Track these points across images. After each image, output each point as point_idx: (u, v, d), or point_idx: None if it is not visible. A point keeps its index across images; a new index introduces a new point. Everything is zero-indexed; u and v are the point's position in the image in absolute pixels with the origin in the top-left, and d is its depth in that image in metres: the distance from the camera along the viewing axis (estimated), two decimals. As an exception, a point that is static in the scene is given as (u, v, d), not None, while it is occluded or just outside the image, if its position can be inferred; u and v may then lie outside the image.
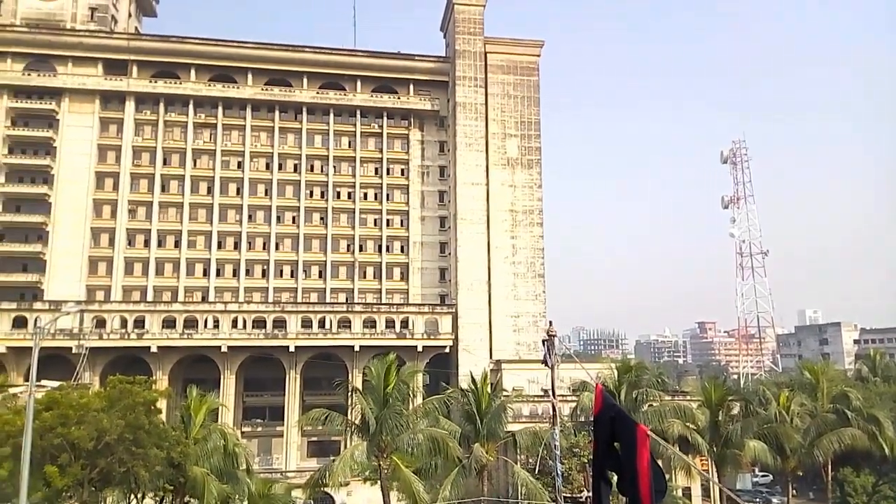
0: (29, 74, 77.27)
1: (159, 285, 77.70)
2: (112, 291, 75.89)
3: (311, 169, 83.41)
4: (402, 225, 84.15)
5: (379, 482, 34.48)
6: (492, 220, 79.43)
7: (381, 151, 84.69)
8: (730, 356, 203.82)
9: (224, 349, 70.49)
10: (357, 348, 72.33)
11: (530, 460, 46.30)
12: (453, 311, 76.41)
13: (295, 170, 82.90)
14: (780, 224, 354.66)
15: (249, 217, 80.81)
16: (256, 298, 78.10)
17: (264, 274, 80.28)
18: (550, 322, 18.21)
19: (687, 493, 52.65)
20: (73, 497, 29.23)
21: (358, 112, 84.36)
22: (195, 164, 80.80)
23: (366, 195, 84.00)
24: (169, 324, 70.75)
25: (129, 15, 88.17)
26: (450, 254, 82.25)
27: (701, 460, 44.23)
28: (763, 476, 69.65)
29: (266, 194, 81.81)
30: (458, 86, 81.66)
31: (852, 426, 42.99)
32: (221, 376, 70.33)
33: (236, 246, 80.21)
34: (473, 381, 36.58)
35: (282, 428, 71.26)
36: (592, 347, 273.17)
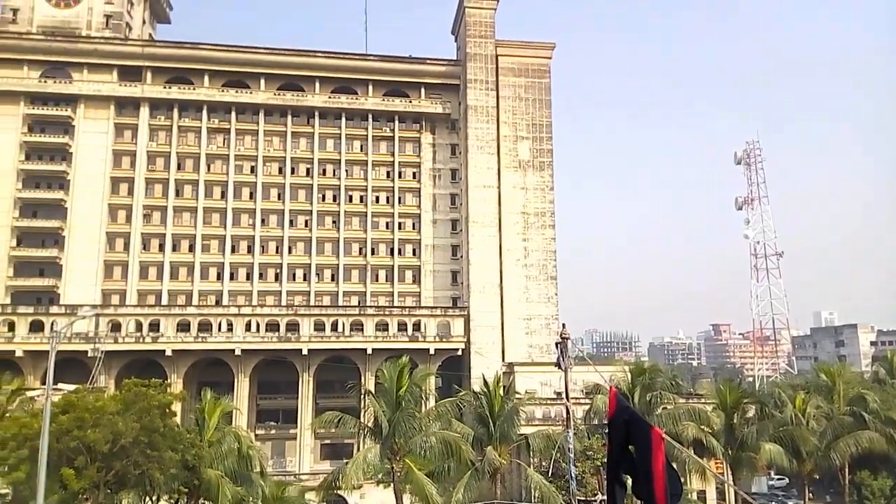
0: (45, 81, 78.12)
1: (174, 289, 78.24)
2: (127, 295, 76.55)
3: (324, 173, 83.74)
4: (413, 228, 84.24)
5: (392, 485, 34.57)
6: (503, 222, 79.33)
7: (392, 155, 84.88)
8: (744, 358, 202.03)
9: (238, 352, 71.00)
10: (369, 351, 72.62)
11: (543, 463, 46.23)
12: (465, 313, 76.41)
13: (307, 174, 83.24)
14: (791, 223, 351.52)
15: (262, 221, 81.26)
16: (270, 302, 78.51)
17: (277, 277, 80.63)
18: (563, 324, 18.17)
19: (702, 496, 52.34)
20: (89, 499, 29.46)
21: (370, 116, 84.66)
22: (209, 169, 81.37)
23: (377, 198, 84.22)
24: (183, 327, 71.37)
25: (144, 22, 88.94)
26: (461, 257, 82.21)
27: (716, 463, 43.96)
28: (779, 479, 69.00)
29: (279, 198, 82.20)
30: (470, 89, 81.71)
31: (869, 429, 42.67)
32: (235, 379, 70.85)
33: (249, 249, 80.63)
34: (486, 383, 36.57)
35: (295, 430, 71.61)
36: (605, 350, 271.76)
